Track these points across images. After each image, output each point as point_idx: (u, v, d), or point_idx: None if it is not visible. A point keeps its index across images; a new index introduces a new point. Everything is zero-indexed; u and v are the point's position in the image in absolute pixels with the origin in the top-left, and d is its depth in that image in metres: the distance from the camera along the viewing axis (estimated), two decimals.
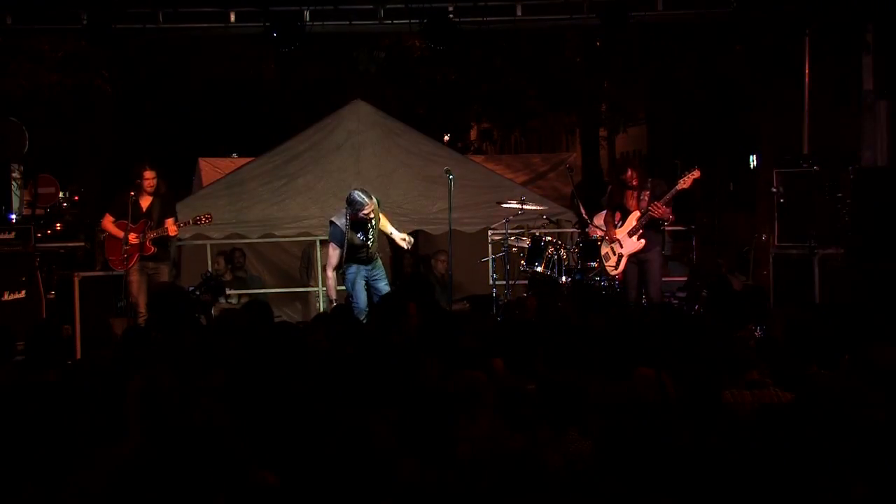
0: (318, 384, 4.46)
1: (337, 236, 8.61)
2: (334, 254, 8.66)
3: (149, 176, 9.06)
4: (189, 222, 9.21)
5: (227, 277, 11.39)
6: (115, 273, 9.20)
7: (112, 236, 9.01)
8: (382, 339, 5.71)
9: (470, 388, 4.04)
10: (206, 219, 9.35)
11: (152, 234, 8.94)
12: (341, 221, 8.60)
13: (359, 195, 8.54)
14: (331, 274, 8.76)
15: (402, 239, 8.91)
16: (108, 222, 9.07)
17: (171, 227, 9.00)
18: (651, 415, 3.29)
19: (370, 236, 8.69)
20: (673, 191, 8.76)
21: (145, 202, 9.10)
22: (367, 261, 8.74)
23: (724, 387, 4.51)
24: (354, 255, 8.66)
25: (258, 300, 8.53)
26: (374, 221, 8.70)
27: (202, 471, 3.26)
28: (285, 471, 3.42)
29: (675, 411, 4.06)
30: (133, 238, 8.92)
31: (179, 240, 9.54)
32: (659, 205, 8.77)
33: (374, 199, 8.62)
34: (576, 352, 4.80)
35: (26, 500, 3.48)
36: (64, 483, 3.53)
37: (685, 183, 8.71)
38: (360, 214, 8.52)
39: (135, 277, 8.94)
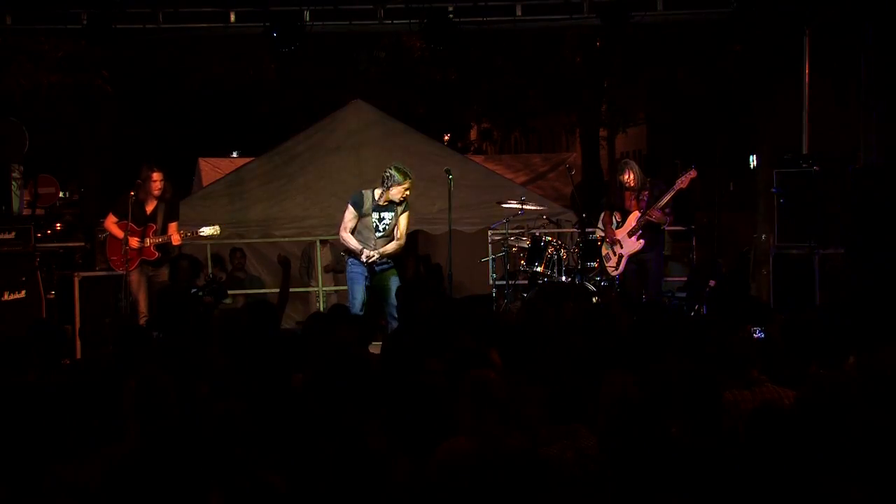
0: (315, 384, 4.46)
1: (354, 198, 8.34)
2: (350, 218, 8.32)
3: (156, 178, 8.86)
4: (195, 233, 8.99)
5: (221, 278, 11.37)
6: (115, 273, 9.16)
7: (114, 237, 8.92)
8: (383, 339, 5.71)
9: (480, 387, 4.03)
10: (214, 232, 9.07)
11: (157, 240, 8.82)
12: (368, 192, 8.34)
13: (394, 171, 8.24)
14: (346, 235, 8.36)
15: (380, 251, 8.30)
16: (111, 223, 8.92)
17: (174, 236, 8.79)
18: (654, 415, 3.29)
19: (384, 227, 8.35)
20: (671, 192, 8.78)
21: (150, 205, 8.92)
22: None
23: (725, 386, 4.50)
24: (359, 234, 8.36)
25: (261, 300, 8.44)
26: (400, 210, 8.33)
27: (199, 470, 3.26)
28: (282, 471, 3.43)
29: (678, 411, 4.06)
30: (135, 243, 8.78)
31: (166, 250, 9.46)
32: (654, 211, 8.79)
33: (410, 179, 8.28)
34: (581, 351, 4.80)
35: (16, 499, 3.48)
36: (60, 483, 3.53)
37: (682, 183, 8.74)
38: (394, 191, 8.22)
39: (135, 277, 8.88)
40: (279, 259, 8.29)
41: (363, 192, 8.43)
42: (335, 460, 3.22)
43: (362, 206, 8.34)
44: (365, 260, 8.27)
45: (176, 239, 8.85)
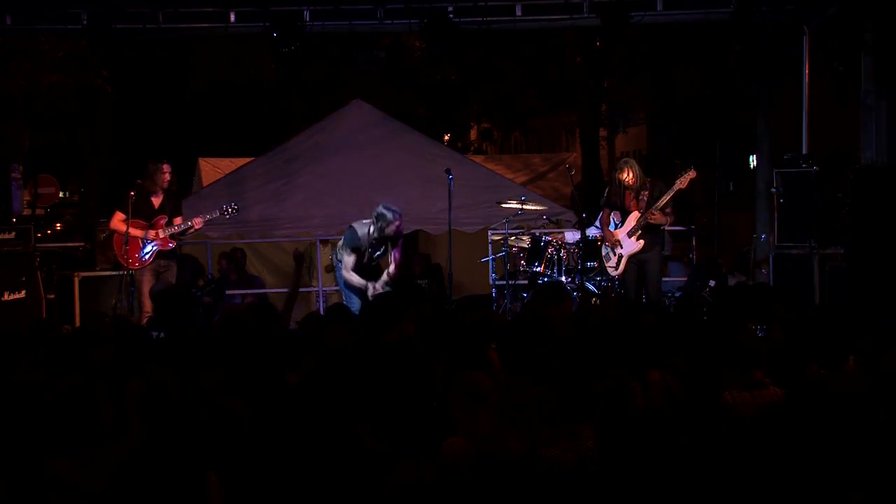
0: (315, 384, 4.46)
1: (353, 241, 8.41)
2: (349, 259, 8.44)
3: (167, 170, 9.02)
4: (216, 213, 9.12)
5: (233, 277, 11.40)
6: (115, 273, 9.17)
7: (121, 234, 8.90)
8: (381, 340, 5.70)
9: (473, 389, 4.03)
10: (233, 209, 9.29)
11: (172, 230, 8.92)
12: (362, 231, 8.42)
13: (388, 210, 8.35)
14: (349, 275, 8.46)
15: (382, 282, 8.46)
16: (119, 221, 8.93)
17: (196, 219, 8.95)
18: (654, 416, 3.29)
19: (376, 258, 8.52)
20: (671, 192, 8.79)
21: (158, 199, 9.04)
22: (369, 276, 8.51)
23: (726, 387, 4.50)
24: (359, 268, 8.49)
25: (262, 301, 8.47)
26: (391, 244, 8.50)
27: (202, 468, 3.26)
28: (281, 469, 3.43)
29: (679, 413, 4.05)
30: (152, 235, 8.90)
31: (180, 240, 9.49)
32: (654, 212, 8.80)
33: (400, 216, 8.44)
34: (583, 352, 4.80)
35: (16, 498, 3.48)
36: (63, 482, 3.53)
37: (682, 183, 8.76)
38: (389, 230, 8.35)
39: (146, 276, 8.89)
40: (294, 254, 8.35)
41: (356, 229, 8.44)
42: (333, 460, 3.23)
43: (360, 246, 8.43)
44: (371, 295, 8.37)
45: (198, 222, 8.97)
